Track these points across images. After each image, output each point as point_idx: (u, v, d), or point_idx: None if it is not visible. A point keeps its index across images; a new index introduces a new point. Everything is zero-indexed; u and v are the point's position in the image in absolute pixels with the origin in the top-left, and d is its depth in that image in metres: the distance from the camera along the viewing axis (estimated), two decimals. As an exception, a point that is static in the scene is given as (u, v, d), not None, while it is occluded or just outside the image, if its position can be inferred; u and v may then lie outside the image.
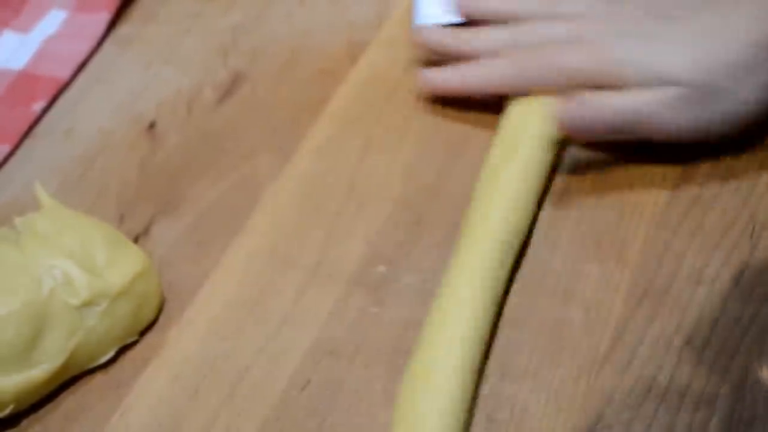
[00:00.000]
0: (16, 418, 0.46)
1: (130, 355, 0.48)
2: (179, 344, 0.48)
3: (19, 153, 0.58)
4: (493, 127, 0.54)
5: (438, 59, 0.56)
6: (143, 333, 0.49)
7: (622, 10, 0.52)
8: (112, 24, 0.65)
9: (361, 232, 0.51)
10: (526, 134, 0.50)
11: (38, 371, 0.45)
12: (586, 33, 0.51)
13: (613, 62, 0.49)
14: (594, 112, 0.49)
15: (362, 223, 0.52)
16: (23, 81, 0.62)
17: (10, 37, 0.65)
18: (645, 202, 0.50)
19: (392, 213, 0.52)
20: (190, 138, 0.58)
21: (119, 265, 0.48)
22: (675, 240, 0.48)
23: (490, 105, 0.55)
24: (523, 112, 0.52)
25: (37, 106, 0.60)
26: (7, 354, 0.45)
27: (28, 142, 0.59)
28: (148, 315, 0.49)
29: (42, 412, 0.47)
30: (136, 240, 0.53)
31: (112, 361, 0.48)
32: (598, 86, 0.49)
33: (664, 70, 0.48)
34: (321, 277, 0.50)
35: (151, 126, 0.59)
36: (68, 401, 0.47)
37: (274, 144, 0.56)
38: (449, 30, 0.56)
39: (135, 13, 0.66)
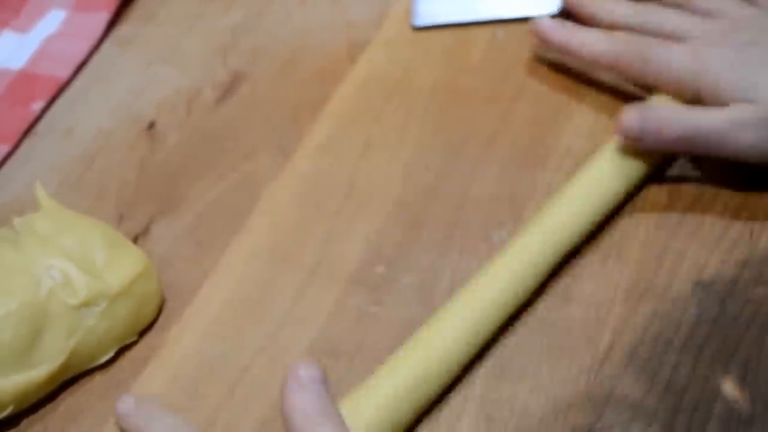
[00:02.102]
0: (16, 418, 0.46)
1: (130, 355, 0.48)
2: (179, 344, 0.48)
3: (19, 153, 0.58)
4: (493, 128, 0.54)
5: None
6: (143, 333, 0.49)
7: (747, 20, 0.51)
8: (112, 24, 0.65)
9: (360, 231, 0.51)
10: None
11: (37, 372, 0.45)
12: (698, 32, 0.51)
13: (701, 68, 0.49)
14: (665, 124, 0.49)
15: (362, 222, 0.52)
16: (23, 80, 0.62)
17: (9, 36, 0.65)
18: (645, 202, 0.50)
19: (392, 213, 0.52)
20: (189, 138, 0.58)
21: (118, 265, 0.48)
22: (675, 240, 0.48)
23: (489, 108, 0.56)
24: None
25: (37, 106, 0.60)
26: (5, 354, 0.45)
27: (27, 142, 0.59)
28: (147, 315, 0.49)
29: (42, 412, 0.47)
30: (135, 240, 0.53)
31: (111, 361, 0.48)
32: (684, 90, 0.50)
33: (754, 89, 0.48)
34: (321, 276, 0.50)
35: (151, 126, 0.59)
36: (68, 401, 0.47)
37: (274, 144, 0.56)
38: None
39: (135, 13, 0.66)
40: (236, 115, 0.58)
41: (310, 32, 0.62)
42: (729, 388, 0.43)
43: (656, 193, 0.50)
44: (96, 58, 0.63)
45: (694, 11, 0.53)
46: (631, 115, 0.49)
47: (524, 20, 0.59)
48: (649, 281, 0.47)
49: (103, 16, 0.64)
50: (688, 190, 0.50)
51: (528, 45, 0.58)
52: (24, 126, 0.59)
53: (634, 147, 0.49)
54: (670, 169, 0.51)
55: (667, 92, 0.51)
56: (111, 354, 0.47)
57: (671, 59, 0.50)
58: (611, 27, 0.54)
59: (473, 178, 0.52)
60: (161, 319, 0.49)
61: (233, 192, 0.54)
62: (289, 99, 0.59)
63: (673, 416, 0.42)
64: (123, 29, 0.65)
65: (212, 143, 0.57)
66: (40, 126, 0.60)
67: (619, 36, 0.53)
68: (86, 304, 0.46)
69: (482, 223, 0.50)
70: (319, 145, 0.56)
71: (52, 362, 0.46)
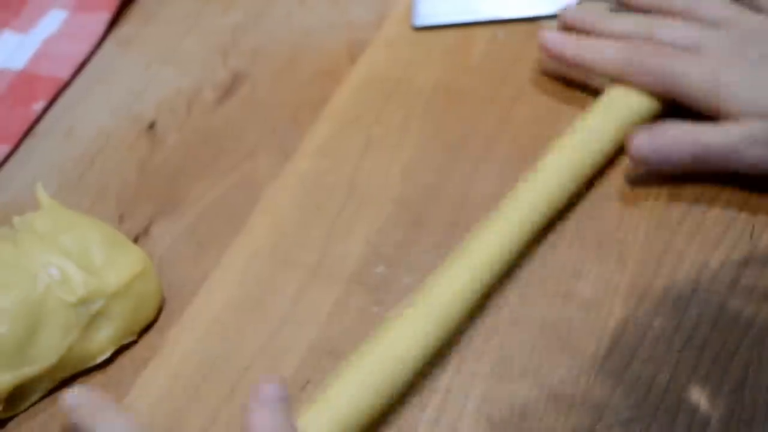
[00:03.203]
0: (14, 417, 0.46)
1: (130, 354, 0.48)
2: (179, 344, 0.48)
3: (19, 153, 0.58)
4: (493, 128, 0.54)
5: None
6: (143, 333, 0.49)
7: (757, 30, 0.51)
8: (112, 24, 0.65)
9: (361, 231, 0.51)
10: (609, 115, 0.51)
11: (33, 369, 0.45)
12: (710, 43, 0.50)
13: (719, 83, 0.49)
14: (677, 146, 0.49)
15: (362, 222, 0.52)
16: (23, 81, 0.62)
17: (10, 37, 0.65)
18: (645, 202, 0.50)
19: (392, 213, 0.52)
20: (189, 138, 0.58)
21: (117, 264, 0.48)
22: (675, 240, 0.48)
23: (489, 108, 0.56)
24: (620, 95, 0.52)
25: (37, 106, 0.60)
26: (0, 350, 0.45)
27: (28, 142, 0.59)
28: (146, 315, 0.49)
29: (41, 411, 0.47)
30: (135, 240, 0.53)
31: (111, 360, 0.48)
32: (699, 104, 0.49)
33: (766, 105, 0.47)
34: (321, 276, 0.50)
35: (151, 126, 0.59)
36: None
37: (274, 144, 0.56)
38: (596, 11, 0.56)
39: (135, 13, 0.66)
40: (236, 115, 0.58)
41: (310, 32, 0.62)
42: (729, 390, 0.43)
43: (656, 193, 0.50)
44: (96, 59, 0.63)
45: (700, 21, 0.52)
46: (641, 141, 0.49)
47: (524, 20, 0.59)
48: (649, 281, 0.47)
49: (104, 17, 0.64)
50: (688, 190, 0.50)
51: (528, 45, 0.58)
52: (24, 126, 0.59)
53: (644, 169, 0.50)
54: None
55: (682, 104, 0.50)
56: (109, 353, 0.47)
57: (690, 72, 0.50)
58: (616, 37, 0.53)
59: (473, 178, 0.52)
60: (161, 319, 0.49)
61: (233, 192, 0.54)
62: (289, 99, 0.59)
63: (673, 416, 0.42)
64: (123, 29, 0.65)
65: (212, 143, 0.57)
66: (41, 126, 0.60)
67: (627, 45, 0.52)
68: (83, 302, 0.46)
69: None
70: (319, 145, 0.56)
71: (48, 359, 0.46)
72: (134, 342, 0.48)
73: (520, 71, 0.57)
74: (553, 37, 0.55)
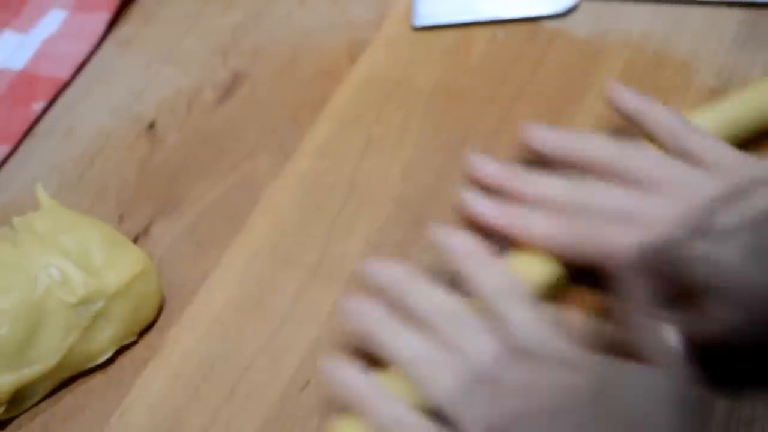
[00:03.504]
0: (16, 417, 0.46)
1: (130, 355, 0.48)
2: (179, 344, 0.48)
3: (19, 153, 0.58)
4: (493, 128, 0.54)
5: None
6: (143, 333, 0.49)
7: (695, 190, 0.45)
8: (112, 24, 0.65)
9: (361, 231, 0.51)
10: None
11: (33, 370, 0.45)
12: (646, 208, 0.45)
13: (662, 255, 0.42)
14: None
15: (362, 222, 0.52)
16: (23, 81, 0.62)
17: (10, 37, 0.65)
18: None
19: (392, 213, 0.52)
20: (189, 138, 0.58)
21: (117, 264, 0.48)
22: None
23: (489, 108, 0.56)
24: None
25: (37, 106, 0.60)
26: (1, 352, 0.45)
27: (28, 142, 0.59)
28: (147, 315, 0.49)
29: (42, 411, 0.47)
30: (135, 240, 0.53)
31: (111, 361, 0.48)
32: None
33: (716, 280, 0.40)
34: (321, 276, 0.50)
35: (151, 126, 0.59)
36: (68, 400, 0.47)
37: (274, 144, 0.56)
38: (511, 169, 0.49)
39: (135, 13, 0.66)
40: (236, 115, 0.58)
41: (310, 32, 0.62)
42: (729, 390, 0.43)
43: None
44: (96, 59, 0.63)
45: (635, 183, 0.46)
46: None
47: (524, 20, 0.59)
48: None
49: (103, 17, 0.64)
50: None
51: (528, 45, 0.58)
52: (24, 126, 0.59)
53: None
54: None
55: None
56: (109, 354, 0.47)
57: (623, 242, 0.44)
58: (544, 202, 0.47)
59: (473, 178, 0.52)
60: (161, 319, 0.49)
61: (233, 192, 0.54)
62: (289, 99, 0.59)
63: (673, 416, 0.42)
64: (123, 29, 0.65)
65: (212, 143, 0.57)
66: (41, 126, 0.60)
67: (566, 220, 0.46)
68: (84, 303, 0.46)
69: (482, 223, 0.50)
70: (319, 145, 0.56)
71: (48, 360, 0.46)
72: (134, 342, 0.48)
73: (520, 71, 0.57)
74: (476, 203, 0.48)
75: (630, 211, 0.45)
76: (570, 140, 0.49)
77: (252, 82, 0.60)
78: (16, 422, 0.46)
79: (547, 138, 0.49)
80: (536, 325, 0.42)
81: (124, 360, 0.48)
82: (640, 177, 0.46)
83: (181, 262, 0.52)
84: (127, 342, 0.48)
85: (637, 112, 0.49)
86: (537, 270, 0.46)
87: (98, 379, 0.48)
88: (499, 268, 0.45)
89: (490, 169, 0.49)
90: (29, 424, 0.46)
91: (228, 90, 0.60)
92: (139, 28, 0.65)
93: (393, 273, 0.45)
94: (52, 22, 0.65)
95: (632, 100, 0.49)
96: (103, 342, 0.47)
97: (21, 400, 0.46)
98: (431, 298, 0.44)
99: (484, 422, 0.39)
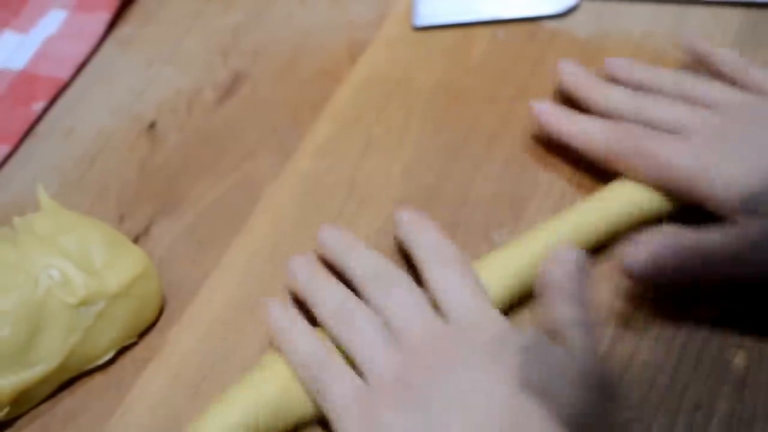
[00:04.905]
0: (16, 418, 0.46)
1: (130, 355, 0.48)
2: (179, 344, 0.48)
3: (19, 153, 0.58)
4: (493, 127, 0.54)
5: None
6: (143, 333, 0.49)
7: (749, 113, 0.47)
8: (112, 24, 0.65)
9: (361, 231, 0.51)
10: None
11: (35, 372, 0.45)
12: (700, 127, 0.47)
13: (707, 174, 0.45)
14: (673, 256, 0.43)
15: (362, 222, 0.52)
16: (23, 81, 0.62)
17: (10, 37, 0.65)
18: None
19: (392, 213, 0.51)
20: (190, 138, 0.58)
21: (118, 265, 0.48)
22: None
23: (489, 108, 0.56)
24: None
25: (37, 106, 0.60)
26: (2, 354, 0.45)
27: (28, 142, 0.59)
28: (148, 316, 0.49)
29: (42, 412, 0.47)
30: (136, 240, 0.53)
31: (111, 361, 0.48)
32: (680, 190, 0.46)
33: (755, 201, 0.43)
34: (321, 277, 0.50)
35: (151, 126, 0.59)
36: (68, 401, 0.47)
37: (274, 144, 0.56)
38: (590, 78, 0.53)
39: (135, 13, 0.66)
40: (236, 115, 0.58)
41: (310, 32, 0.62)
42: (729, 390, 0.43)
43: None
44: (96, 59, 0.63)
45: (693, 101, 0.49)
46: (633, 256, 0.44)
47: (524, 20, 0.59)
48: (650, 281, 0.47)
49: (104, 17, 0.64)
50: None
51: (528, 45, 0.58)
52: (25, 126, 0.59)
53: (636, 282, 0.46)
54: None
55: (660, 190, 0.47)
56: (110, 355, 0.47)
57: (670, 156, 0.46)
58: (606, 113, 0.50)
59: (473, 178, 0.52)
60: (162, 320, 0.49)
61: (234, 192, 0.54)
62: (290, 99, 0.59)
63: (674, 416, 0.42)
64: (123, 29, 0.65)
65: (212, 143, 0.57)
66: (41, 126, 0.60)
67: (615, 126, 0.49)
68: (84, 304, 0.46)
69: (483, 223, 0.51)
70: (319, 145, 0.56)
71: (49, 362, 0.46)
72: (135, 342, 0.48)
73: (520, 71, 0.57)
74: (540, 106, 0.52)
75: (685, 125, 0.47)
76: (640, 68, 0.52)
77: (252, 82, 0.60)
78: (16, 423, 0.46)
79: (623, 65, 0.53)
80: (465, 298, 0.44)
81: (125, 360, 0.48)
82: (696, 97, 0.49)
83: (182, 262, 0.52)
84: (127, 344, 0.48)
85: (704, 54, 0.52)
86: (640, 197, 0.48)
87: (98, 379, 0.48)
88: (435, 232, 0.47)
89: (576, 78, 0.53)
90: (29, 425, 0.46)
91: (228, 90, 0.60)
92: (139, 28, 0.65)
93: (337, 236, 0.48)
94: (52, 22, 0.65)
95: (700, 44, 0.52)
96: (104, 343, 0.47)
97: (22, 402, 0.46)
98: (365, 258, 0.46)
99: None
